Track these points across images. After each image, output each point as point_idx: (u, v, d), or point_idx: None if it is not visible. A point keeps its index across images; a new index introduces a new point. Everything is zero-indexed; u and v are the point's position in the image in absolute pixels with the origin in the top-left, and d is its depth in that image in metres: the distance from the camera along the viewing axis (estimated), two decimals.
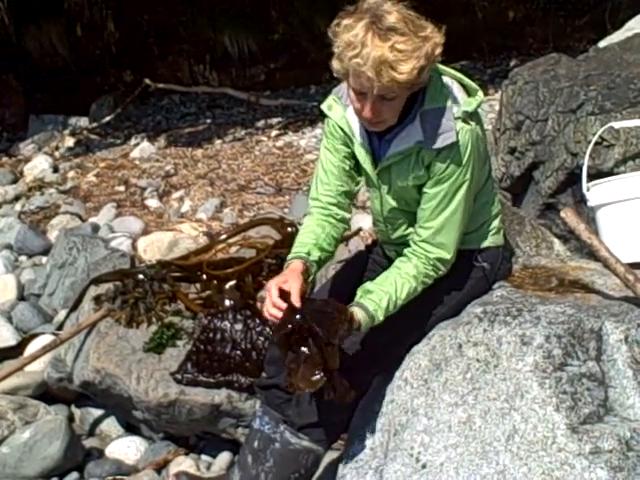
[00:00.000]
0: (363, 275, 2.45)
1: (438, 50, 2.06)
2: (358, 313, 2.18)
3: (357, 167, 2.36)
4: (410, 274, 2.24)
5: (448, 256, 2.27)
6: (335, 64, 2.11)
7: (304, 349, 2.09)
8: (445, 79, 2.21)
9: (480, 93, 2.25)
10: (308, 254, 2.27)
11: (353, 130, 2.28)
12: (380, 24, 2.00)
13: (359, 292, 2.24)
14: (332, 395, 2.16)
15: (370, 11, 2.03)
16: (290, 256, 2.30)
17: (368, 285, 2.25)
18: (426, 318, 2.36)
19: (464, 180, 2.20)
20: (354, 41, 2.00)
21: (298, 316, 2.09)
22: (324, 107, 2.35)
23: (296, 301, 2.12)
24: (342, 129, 2.31)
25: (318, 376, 2.10)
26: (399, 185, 2.26)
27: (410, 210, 2.31)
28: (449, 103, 2.17)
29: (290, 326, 2.09)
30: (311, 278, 2.28)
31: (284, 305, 2.12)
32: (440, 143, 2.15)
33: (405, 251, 2.31)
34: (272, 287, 2.16)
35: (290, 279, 2.17)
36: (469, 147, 2.18)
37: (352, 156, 2.34)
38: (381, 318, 2.21)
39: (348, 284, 2.36)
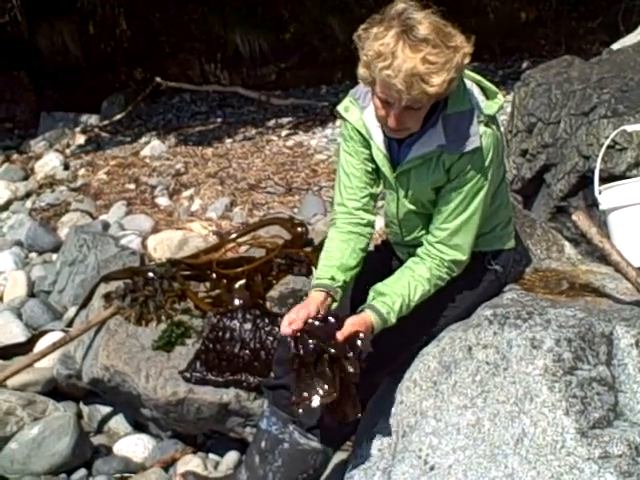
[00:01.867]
0: (375, 278, 2.44)
1: (467, 60, 2.05)
2: (371, 316, 2.18)
3: (377, 169, 2.34)
4: (424, 276, 2.24)
5: (463, 258, 2.26)
6: (362, 71, 2.09)
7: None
8: (466, 82, 2.20)
9: (500, 96, 2.23)
10: (332, 279, 2.24)
11: (371, 133, 2.26)
12: (411, 34, 1.97)
13: (371, 293, 2.23)
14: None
15: (399, 19, 1.99)
16: (314, 282, 2.27)
17: (380, 287, 2.24)
18: (438, 320, 2.35)
19: (484, 184, 2.20)
20: (384, 51, 1.98)
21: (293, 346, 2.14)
22: (340, 109, 2.33)
23: (297, 326, 2.13)
24: (359, 132, 2.29)
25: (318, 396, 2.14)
26: (417, 188, 2.25)
27: (426, 212, 2.31)
28: (471, 107, 2.16)
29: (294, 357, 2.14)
30: (335, 305, 2.25)
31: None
32: (464, 147, 2.14)
33: (418, 251, 2.29)
34: (283, 321, 2.17)
35: (301, 310, 2.16)
36: (491, 151, 2.18)
37: (372, 158, 2.32)
38: (394, 321, 2.20)
39: (363, 289, 2.34)
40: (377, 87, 2.07)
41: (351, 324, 2.15)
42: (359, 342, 2.11)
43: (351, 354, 2.11)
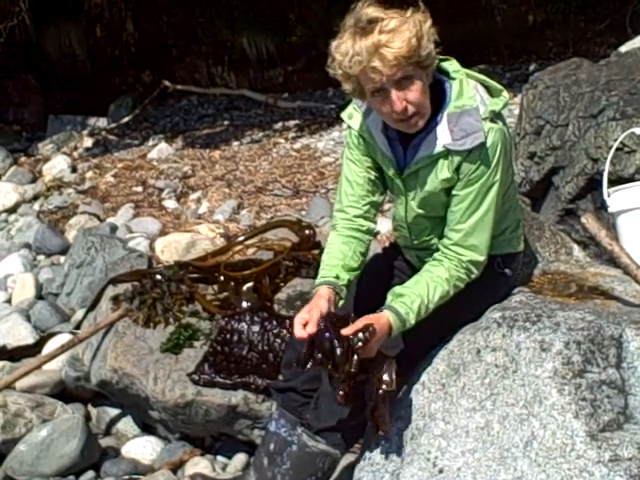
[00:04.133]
0: (386, 281, 2.44)
1: (427, 23, 2.08)
2: (389, 316, 2.15)
3: (382, 176, 2.35)
4: (442, 277, 2.22)
5: (481, 258, 2.25)
6: (347, 85, 2.13)
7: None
8: (470, 81, 2.21)
9: (505, 93, 2.24)
10: (337, 278, 2.24)
11: (375, 138, 2.27)
12: (360, 22, 2.04)
13: (389, 296, 2.21)
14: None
15: (347, 23, 2.07)
16: (318, 280, 2.27)
17: (399, 289, 2.22)
18: (448, 325, 2.34)
19: (494, 180, 2.19)
20: (347, 49, 2.05)
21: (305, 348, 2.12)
22: (344, 116, 2.35)
23: (311, 329, 2.11)
24: (363, 138, 2.30)
25: (341, 393, 2.12)
26: (426, 190, 2.24)
27: (435, 215, 2.30)
28: (476, 104, 2.16)
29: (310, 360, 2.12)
30: (341, 303, 2.25)
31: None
32: (469, 144, 2.14)
33: (435, 255, 2.28)
34: (296, 323, 2.15)
35: (313, 309, 2.15)
36: (498, 147, 2.17)
37: (376, 166, 2.33)
38: (412, 322, 2.18)
39: (371, 291, 2.34)
40: (364, 85, 2.09)
41: (365, 319, 2.12)
42: (367, 334, 2.07)
43: (352, 357, 2.07)
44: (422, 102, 2.12)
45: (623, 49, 3.96)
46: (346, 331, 2.09)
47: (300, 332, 2.13)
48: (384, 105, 2.11)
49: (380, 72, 2.03)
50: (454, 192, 2.22)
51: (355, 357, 2.08)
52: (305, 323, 2.13)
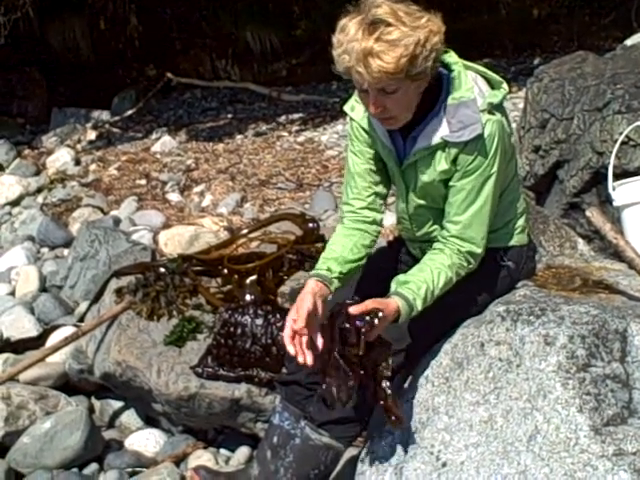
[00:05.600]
0: (390, 275, 2.43)
1: (435, 39, 2.04)
2: (398, 301, 2.12)
3: (385, 168, 2.35)
4: (445, 264, 2.20)
5: (479, 250, 2.24)
6: (337, 67, 2.11)
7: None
8: (469, 73, 2.20)
9: (505, 85, 2.23)
10: (328, 270, 2.23)
11: (375, 129, 2.27)
12: (367, 18, 2.01)
13: (393, 284, 2.19)
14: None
15: (364, 8, 2.04)
16: (311, 273, 2.26)
17: (403, 277, 2.21)
18: (450, 317, 2.34)
19: (491, 172, 2.18)
20: (343, 40, 2.02)
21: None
22: (347, 109, 2.35)
23: (299, 326, 2.11)
24: (365, 130, 2.30)
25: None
26: (425, 181, 2.24)
27: (435, 207, 2.30)
28: (473, 96, 2.15)
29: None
30: (330, 297, 2.22)
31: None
32: (466, 136, 2.13)
33: (435, 244, 2.28)
34: (287, 326, 2.14)
35: (299, 309, 2.14)
36: (496, 139, 2.16)
37: (378, 157, 2.33)
38: (419, 308, 2.16)
39: (375, 285, 2.33)
40: (352, 79, 2.09)
41: (372, 301, 2.09)
42: (375, 319, 2.05)
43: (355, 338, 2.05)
44: (400, 110, 2.12)
45: (629, 42, 3.95)
46: (354, 309, 2.06)
47: (287, 339, 2.12)
48: (364, 100, 2.14)
49: (363, 77, 2.03)
50: (451, 183, 2.22)
51: (362, 339, 2.06)
52: (294, 335, 2.12)
